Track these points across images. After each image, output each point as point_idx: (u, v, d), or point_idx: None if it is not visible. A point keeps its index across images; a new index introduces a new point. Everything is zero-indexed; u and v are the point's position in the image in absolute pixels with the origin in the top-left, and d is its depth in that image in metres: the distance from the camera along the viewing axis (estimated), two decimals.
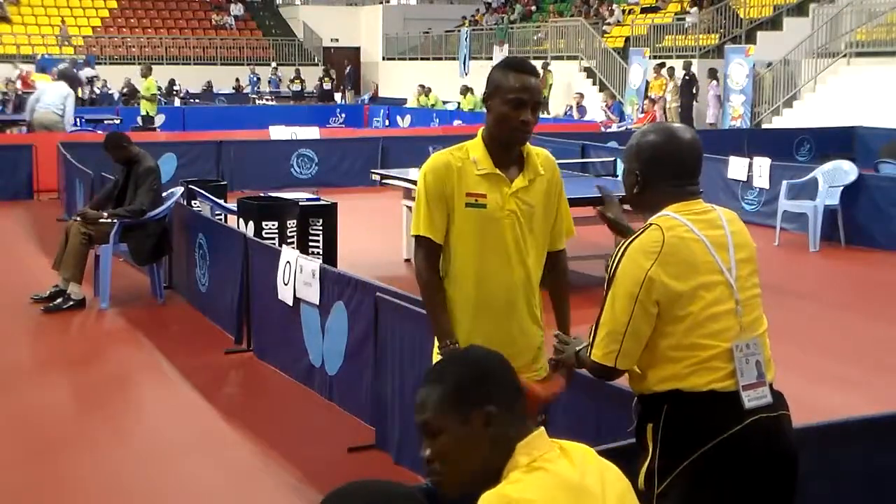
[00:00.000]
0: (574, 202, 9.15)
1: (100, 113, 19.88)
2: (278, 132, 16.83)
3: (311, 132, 17.14)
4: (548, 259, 3.40)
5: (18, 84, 23.93)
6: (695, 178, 2.85)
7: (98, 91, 27.50)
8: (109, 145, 8.32)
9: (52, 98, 15.52)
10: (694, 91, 22.30)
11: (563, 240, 3.45)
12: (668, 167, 2.81)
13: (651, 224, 2.74)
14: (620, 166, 12.61)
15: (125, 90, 20.46)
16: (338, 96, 32.48)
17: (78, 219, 8.19)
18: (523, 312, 3.31)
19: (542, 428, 2.13)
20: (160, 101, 23.57)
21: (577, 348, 2.98)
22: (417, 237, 3.31)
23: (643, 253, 2.68)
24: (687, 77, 22.33)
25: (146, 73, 20.79)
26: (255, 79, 33.51)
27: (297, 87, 32.70)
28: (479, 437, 2.04)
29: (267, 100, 30.89)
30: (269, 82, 33.71)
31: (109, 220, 8.02)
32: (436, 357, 3.32)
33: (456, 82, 27.72)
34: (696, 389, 2.65)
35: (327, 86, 32.59)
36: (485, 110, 3.31)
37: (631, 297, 2.66)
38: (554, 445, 2.09)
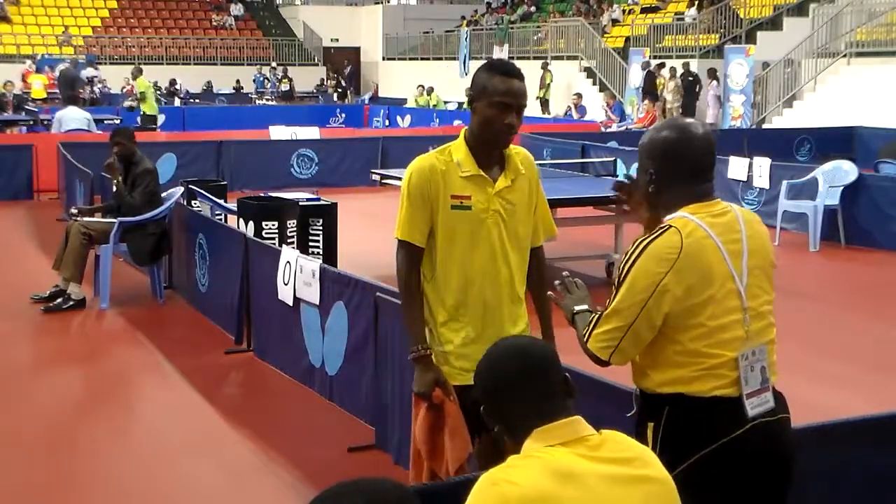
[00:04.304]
0: (574, 202, 9.27)
1: (100, 113, 19.86)
2: (278, 132, 16.83)
3: (311, 132, 17.15)
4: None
5: (18, 83, 24.02)
6: (709, 175, 2.81)
7: (98, 91, 27.50)
8: (120, 134, 8.33)
9: (76, 124, 15.99)
10: (697, 90, 22.30)
11: (542, 237, 3.48)
12: (682, 164, 2.76)
13: (669, 226, 2.69)
14: (621, 166, 12.59)
15: (134, 100, 20.59)
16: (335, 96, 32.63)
17: (74, 211, 8.24)
18: (508, 312, 3.35)
19: (577, 417, 2.17)
20: (160, 101, 23.53)
21: (577, 309, 2.92)
22: (400, 240, 3.35)
23: (659, 259, 2.64)
24: (689, 77, 22.33)
25: (136, 75, 20.77)
26: (260, 79, 33.43)
27: (285, 86, 32.64)
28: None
29: (267, 100, 30.87)
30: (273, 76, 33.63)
31: (108, 220, 8.02)
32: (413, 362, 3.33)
33: (456, 82, 27.69)
34: (700, 395, 2.66)
35: (345, 83, 33.61)
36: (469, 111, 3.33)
37: (640, 302, 2.65)
38: (575, 434, 2.12)
